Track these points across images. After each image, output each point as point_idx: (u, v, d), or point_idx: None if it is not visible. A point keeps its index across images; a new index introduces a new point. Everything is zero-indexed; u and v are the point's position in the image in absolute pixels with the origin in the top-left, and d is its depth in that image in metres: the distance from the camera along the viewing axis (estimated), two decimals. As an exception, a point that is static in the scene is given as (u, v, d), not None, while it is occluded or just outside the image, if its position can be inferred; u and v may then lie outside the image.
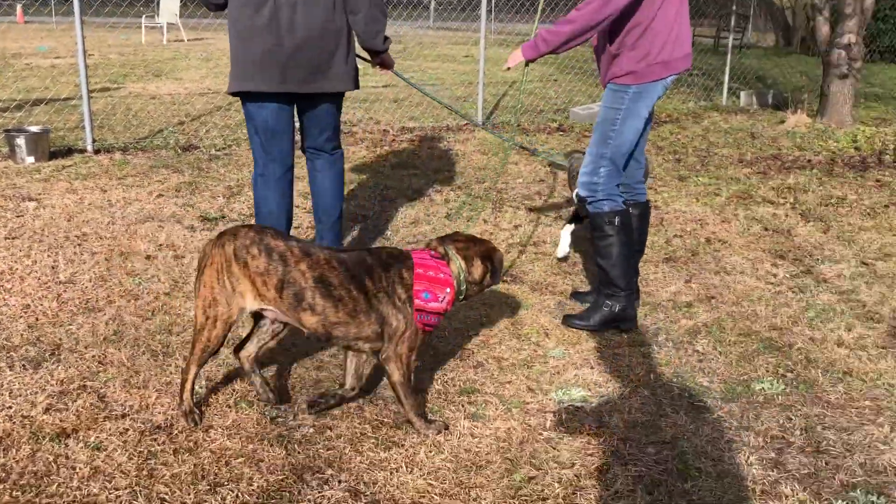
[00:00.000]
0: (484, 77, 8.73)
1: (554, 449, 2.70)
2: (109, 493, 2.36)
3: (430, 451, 2.64)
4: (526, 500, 2.43)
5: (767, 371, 3.31)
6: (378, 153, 7.15)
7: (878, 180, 6.63)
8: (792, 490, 2.51)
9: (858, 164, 7.23)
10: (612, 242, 3.57)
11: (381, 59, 3.97)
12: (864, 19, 8.55)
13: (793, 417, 2.95)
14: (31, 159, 6.16)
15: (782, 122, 8.95)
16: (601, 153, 3.53)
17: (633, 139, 3.53)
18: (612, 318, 3.62)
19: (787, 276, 4.44)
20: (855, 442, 2.79)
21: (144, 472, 2.46)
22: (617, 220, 3.55)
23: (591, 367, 3.32)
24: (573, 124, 8.90)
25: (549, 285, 4.22)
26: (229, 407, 2.87)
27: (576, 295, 4.04)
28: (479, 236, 3.02)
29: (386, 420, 2.83)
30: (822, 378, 3.25)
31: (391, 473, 2.52)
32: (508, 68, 3.56)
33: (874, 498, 2.47)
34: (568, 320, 3.69)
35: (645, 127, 3.59)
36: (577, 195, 3.82)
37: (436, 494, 2.43)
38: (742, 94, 10.94)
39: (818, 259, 4.72)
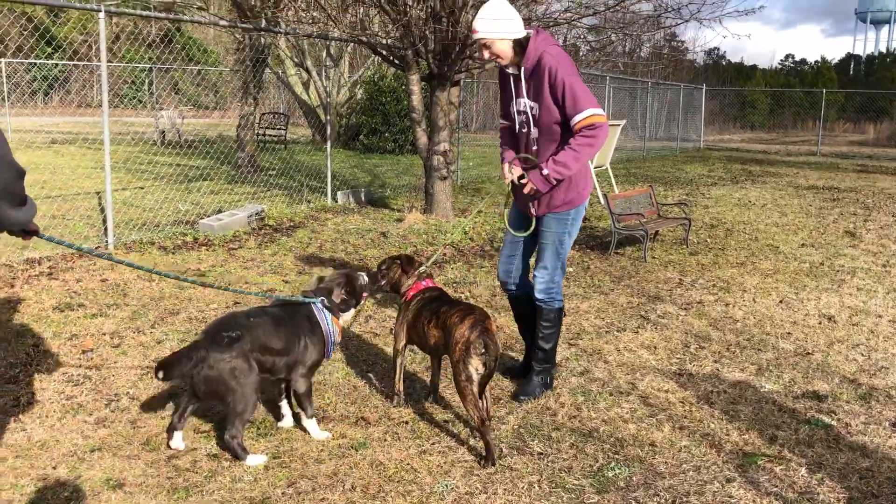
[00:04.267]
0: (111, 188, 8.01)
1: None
2: None
3: None
4: None
5: (605, 457, 3.83)
6: (22, 294, 6.07)
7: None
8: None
9: (482, 253, 8.45)
10: (557, 331, 4.56)
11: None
12: (452, 129, 10.06)
13: (659, 492, 3.49)
14: None
15: (399, 220, 9.94)
16: (556, 265, 4.44)
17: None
18: (547, 385, 4.57)
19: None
20: (714, 501, 3.44)
21: None
22: (562, 314, 4.61)
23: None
24: (208, 236, 8.64)
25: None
26: None
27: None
28: None
29: None
30: (641, 453, 3.89)
31: None
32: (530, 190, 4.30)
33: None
34: (516, 397, 4.45)
35: None
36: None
37: None
38: (339, 193, 11.78)
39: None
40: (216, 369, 3.52)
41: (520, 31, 4.21)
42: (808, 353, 5.41)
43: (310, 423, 3.92)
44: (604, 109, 17.41)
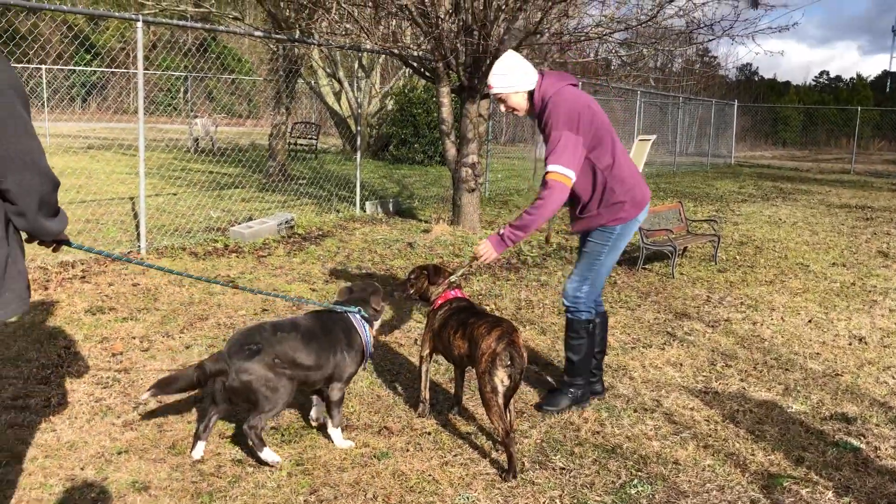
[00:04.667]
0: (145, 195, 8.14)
1: None
2: None
3: None
4: None
5: (628, 474, 3.81)
6: (55, 297, 6.19)
7: (535, 279, 7.85)
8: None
9: (508, 266, 8.45)
10: (584, 343, 4.47)
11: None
12: (481, 141, 10.10)
13: (682, 512, 3.47)
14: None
15: (426, 231, 9.98)
16: (586, 277, 4.39)
17: (612, 267, 4.46)
18: (576, 400, 4.50)
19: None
20: (736, 522, 3.40)
21: None
22: (590, 326, 4.48)
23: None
24: (238, 243, 8.74)
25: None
26: None
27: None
28: None
29: None
30: (665, 470, 3.86)
31: None
32: (475, 258, 4.26)
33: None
34: (540, 407, 4.48)
35: None
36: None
37: None
38: (367, 203, 11.85)
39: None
40: (239, 380, 3.57)
41: (534, 83, 4.25)
42: (838, 375, 5.34)
43: (335, 432, 3.94)
44: (636, 126, 17.14)
